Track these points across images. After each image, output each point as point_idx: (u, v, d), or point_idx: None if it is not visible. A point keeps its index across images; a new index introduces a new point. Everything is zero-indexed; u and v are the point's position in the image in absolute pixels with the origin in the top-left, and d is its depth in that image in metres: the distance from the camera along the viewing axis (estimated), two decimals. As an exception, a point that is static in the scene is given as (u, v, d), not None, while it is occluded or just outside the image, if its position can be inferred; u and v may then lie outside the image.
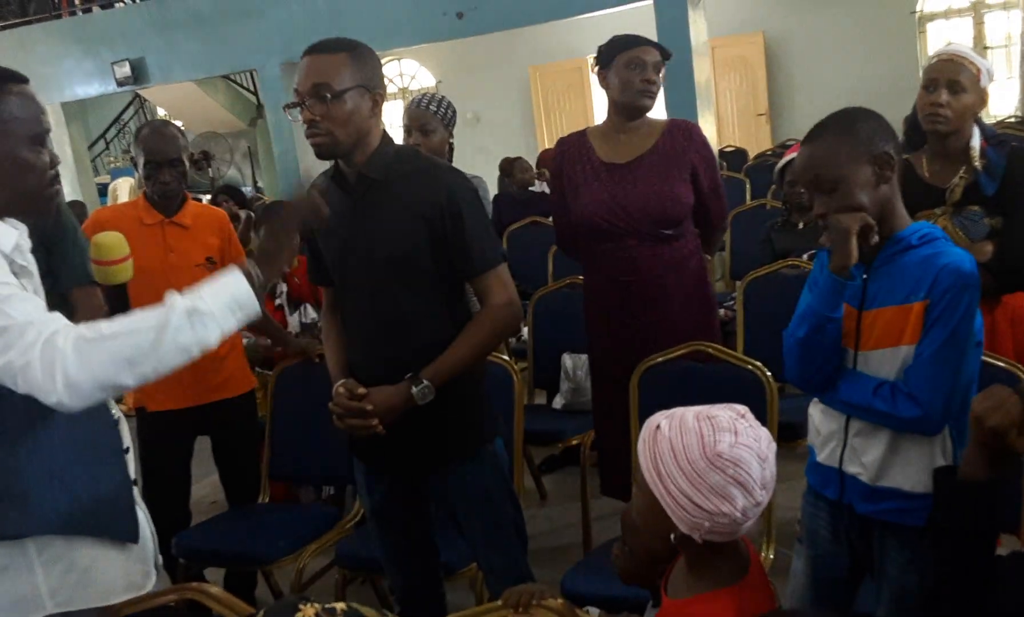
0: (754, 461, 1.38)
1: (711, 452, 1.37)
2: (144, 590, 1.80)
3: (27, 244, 1.71)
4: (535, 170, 7.06)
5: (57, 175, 1.71)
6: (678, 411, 1.46)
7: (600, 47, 2.95)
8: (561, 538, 3.68)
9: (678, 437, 1.40)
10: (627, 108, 2.93)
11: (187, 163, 3.11)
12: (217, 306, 1.59)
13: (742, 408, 1.46)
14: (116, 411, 1.85)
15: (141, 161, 3.04)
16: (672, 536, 1.42)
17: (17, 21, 10.73)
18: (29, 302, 1.55)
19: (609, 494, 3.23)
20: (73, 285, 2.45)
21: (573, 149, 3.06)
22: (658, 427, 1.44)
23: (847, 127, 1.79)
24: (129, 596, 1.75)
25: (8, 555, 1.64)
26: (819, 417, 1.98)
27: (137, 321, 1.56)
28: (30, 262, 1.73)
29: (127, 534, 1.78)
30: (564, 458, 4.29)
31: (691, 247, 3.02)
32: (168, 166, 3.03)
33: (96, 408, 1.72)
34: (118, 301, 1.88)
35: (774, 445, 1.44)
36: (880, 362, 1.82)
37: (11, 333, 1.50)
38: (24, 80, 1.68)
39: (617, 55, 2.88)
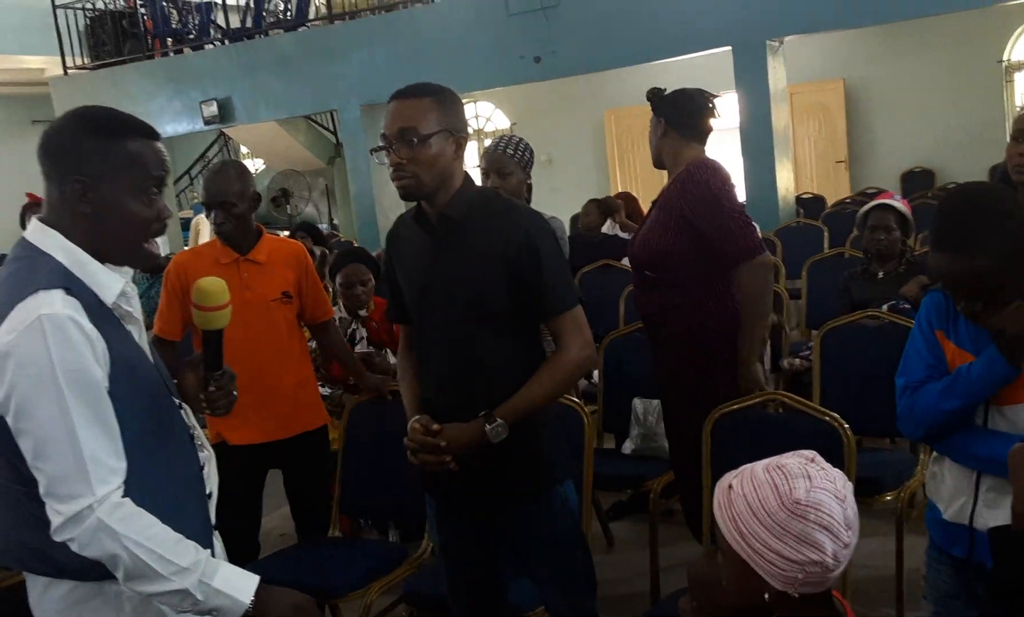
0: (833, 502, 1.36)
1: (788, 501, 1.35)
2: None
3: (133, 290, 1.76)
4: (599, 214, 6.96)
5: (162, 228, 1.74)
6: (747, 467, 1.44)
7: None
8: (627, 586, 3.63)
9: (752, 493, 1.38)
10: None
11: (246, 205, 3.08)
12: (212, 603, 1.63)
13: (810, 453, 1.44)
14: (204, 454, 1.87)
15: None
16: (766, 595, 1.38)
17: (113, 60, 11.18)
18: (102, 439, 1.58)
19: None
20: None
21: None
22: (730, 487, 1.42)
23: (1002, 229, 1.75)
24: None
25: (98, 587, 1.67)
26: (947, 473, 1.97)
27: (168, 548, 1.60)
28: (135, 308, 1.77)
29: None
30: (632, 504, 4.24)
31: (685, 298, 3.03)
32: (218, 208, 3.06)
33: (181, 456, 1.77)
34: (213, 346, 1.88)
35: (850, 484, 1.42)
36: (1016, 416, 1.84)
37: (65, 468, 1.55)
38: (146, 133, 1.71)
39: None
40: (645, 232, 3.14)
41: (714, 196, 2.95)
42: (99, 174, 1.65)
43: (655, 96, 3.15)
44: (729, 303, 3.03)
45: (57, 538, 1.57)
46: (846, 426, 2.48)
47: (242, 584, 1.67)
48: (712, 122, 3.12)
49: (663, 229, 3.05)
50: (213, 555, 1.81)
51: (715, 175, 2.98)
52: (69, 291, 1.61)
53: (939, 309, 1.96)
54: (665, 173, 3.20)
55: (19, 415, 1.56)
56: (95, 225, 1.67)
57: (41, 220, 1.70)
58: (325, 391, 3.90)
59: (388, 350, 4.04)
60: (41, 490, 1.58)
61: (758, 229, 3.28)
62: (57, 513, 1.56)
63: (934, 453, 2.04)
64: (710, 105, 3.11)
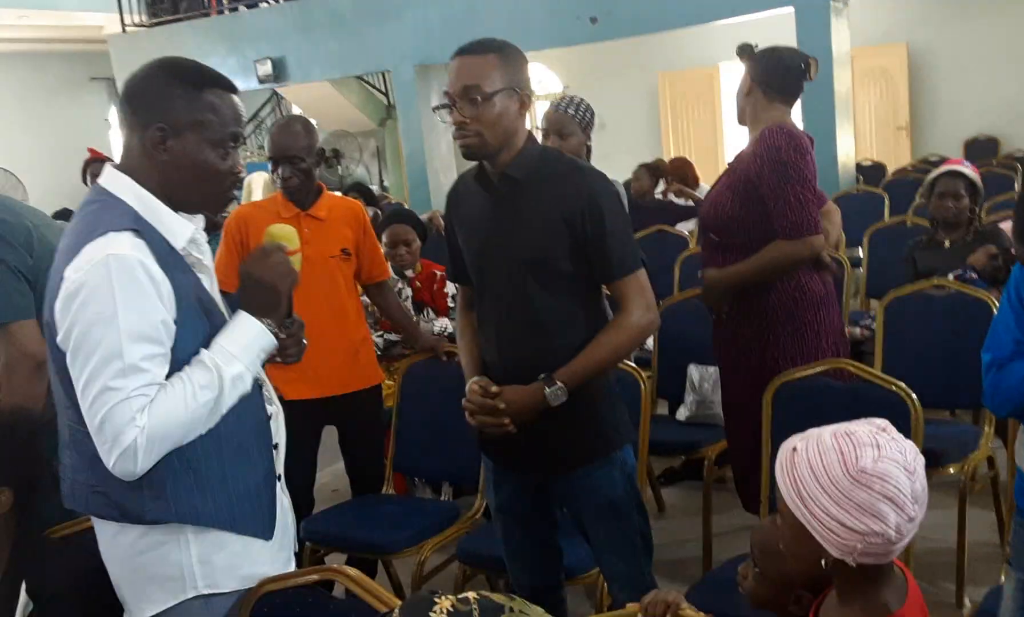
0: (901, 474, 1.32)
1: (854, 469, 1.31)
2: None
3: (203, 237, 1.78)
4: (650, 178, 6.85)
5: (235, 182, 1.77)
6: (813, 431, 1.41)
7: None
8: (678, 552, 3.62)
9: (817, 458, 1.35)
10: None
11: (312, 160, 3.11)
12: (250, 361, 1.72)
13: (882, 422, 1.40)
14: (272, 407, 1.89)
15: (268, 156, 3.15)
16: (823, 562, 1.36)
17: (169, 18, 11.28)
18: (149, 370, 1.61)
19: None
20: None
21: None
22: (794, 449, 1.39)
23: None
24: None
25: (166, 533, 1.70)
26: None
27: (197, 403, 1.63)
28: (206, 254, 1.79)
29: (260, 531, 1.80)
30: (685, 471, 4.22)
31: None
32: (286, 162, 3.07)
33: (249, 403, 1.78)
34: None
35: (921, 457, 1.37)
36: None
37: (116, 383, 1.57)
38: (228, 87, 1.73)
39: None
40: (714, 193, 3.06)
41: (782, 162, 2.81)
42: (180, 123, 1.67)
43: (745, 52, 3.02)
44: (794, 279, 2.90)
45: (103, 456, 1.60)
46: (914, 397, 2.43)
47: (246, 329, 1.73)
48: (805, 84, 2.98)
49: (731, 192, 2.95)
50: (277, 507, 1.84)
51: (789, 141, 2.83)
52: (138, 233, 1.63)
53: None
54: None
55: (76, 349, 1.59)
56: (171, 173, 1.69)
57: (117, 167, 1.72)
58: (379, 340, 3.93)
59: (430, 310, 4.06)
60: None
61: (835, 211, 3.17)
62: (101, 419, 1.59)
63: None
64: (803, 66, 2.96)
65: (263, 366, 1.93)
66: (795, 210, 2.81)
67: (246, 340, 1.71)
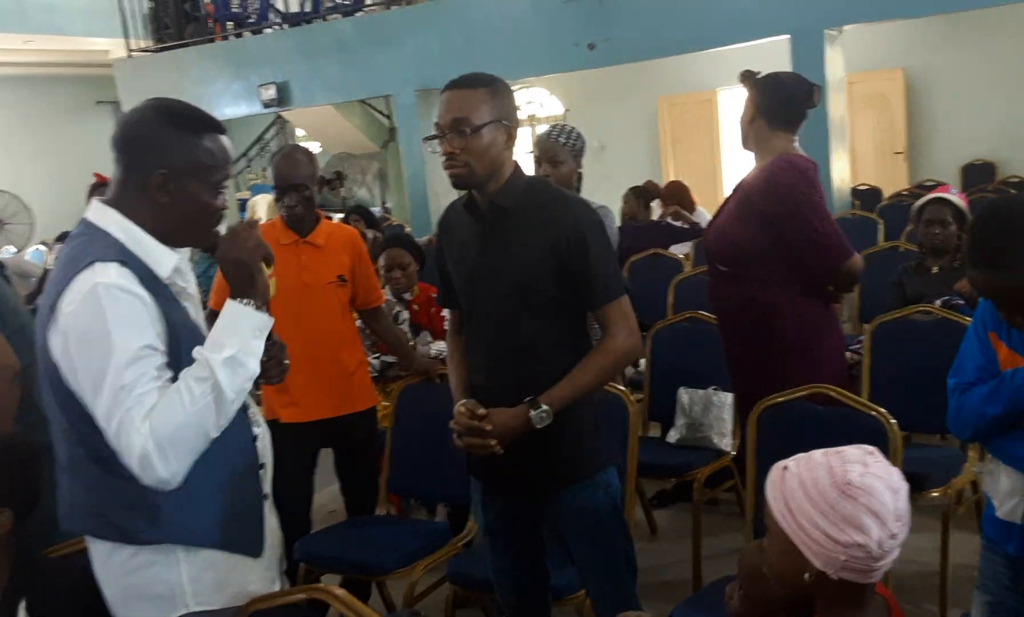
0: (886, 491, 1.37)
1: (841, 482, 1.37)
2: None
3: (187, 266, 1.85)
4: (636, 201, 6.91)
5: (223, 217, 1.84)
6: (804, 454, 1.46)
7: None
8: (669, 573, 3.65)
9: (807, 472, 1.41)
10: None
11: (315, 187, 3.19)
12: (241, 340, 1.72)
13: (870, 447, 1.46)
14: (258, 428, 1.94)
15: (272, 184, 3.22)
16: (806, 576, 1.40)
17: (175, 43, 11.39)
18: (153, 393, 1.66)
19: None
20: None
21: None
22: (785, 468, 1.45)
23: None
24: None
25: (158, 552, 1.75)
26: (1002, 472, 1.99)
27: (194, 397, 1.66)
28: (190, 283, 1.86)
29: (250, 549, 1.87)
30: (676, 493, 4.26)
31: (756, 293, 2.97)
32: (292, 190, 3.15)
33: (234, 425, 1.82)
34: None
35: (905, 483, 1.42)
36: None
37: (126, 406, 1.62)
38: (220, 129, 1.81)
39: None
40: (721, 223, 3.07)
41: (797, 203, 2.86)
42: (182, 169, 1.74)
43: (747, 79, 3.05)
44: (802, 307, 2.96)
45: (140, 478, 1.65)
46: (892, 421, 2.48)
47: (228, 311, 1.75)
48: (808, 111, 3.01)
49: (741, 224, 2.97)
50: (265, 525, 1.89)
51: (802, 178, 2.87)
52: (124, 264, 1.68)
53: (994, 311, 1.96)
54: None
55: (79, 378, 1.65)
56: (168, 214, 1.75)
57: (104, 201, 1.78)
58: (376, 362, 3.99)
59: (428, 333, 4.11)
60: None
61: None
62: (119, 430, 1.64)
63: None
64: (805, 94, 3.00)
65: (259, 385, 2.00)
66: (827, 243, 2.89)
67: (229, 322, 1.74)
